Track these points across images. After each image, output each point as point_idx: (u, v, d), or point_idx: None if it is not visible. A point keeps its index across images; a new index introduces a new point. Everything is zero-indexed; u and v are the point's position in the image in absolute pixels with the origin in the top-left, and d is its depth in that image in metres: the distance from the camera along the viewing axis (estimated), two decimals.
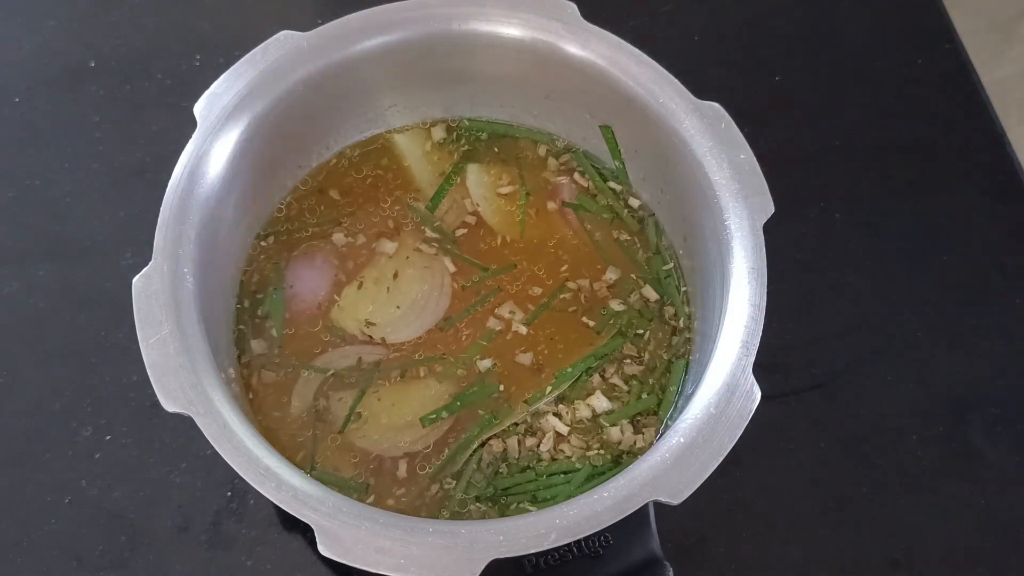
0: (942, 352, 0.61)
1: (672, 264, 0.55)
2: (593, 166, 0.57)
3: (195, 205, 0.47)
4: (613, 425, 0.50)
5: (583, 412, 0.50)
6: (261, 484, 0.41)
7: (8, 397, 0.55)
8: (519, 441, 0.50)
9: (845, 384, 0.59)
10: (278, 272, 0.54)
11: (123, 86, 0.66)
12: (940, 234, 0.65)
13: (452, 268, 0.54)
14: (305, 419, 0.50)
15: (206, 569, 0.51)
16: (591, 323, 0.53)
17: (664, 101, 0.51)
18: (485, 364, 0.51)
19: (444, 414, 0.50)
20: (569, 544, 0.40)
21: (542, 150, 0.58)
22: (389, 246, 0.55)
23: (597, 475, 0.48)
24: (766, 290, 0.46)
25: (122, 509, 0.53)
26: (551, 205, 0.57)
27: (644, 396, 0.51)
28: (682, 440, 0.42)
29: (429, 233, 0.55)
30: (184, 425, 0.42)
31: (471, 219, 0.56)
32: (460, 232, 0.55)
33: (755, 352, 0.44)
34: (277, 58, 0.51)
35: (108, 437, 0.54)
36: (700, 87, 0.51)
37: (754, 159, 0.49)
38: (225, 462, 0.41)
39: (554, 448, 0.50)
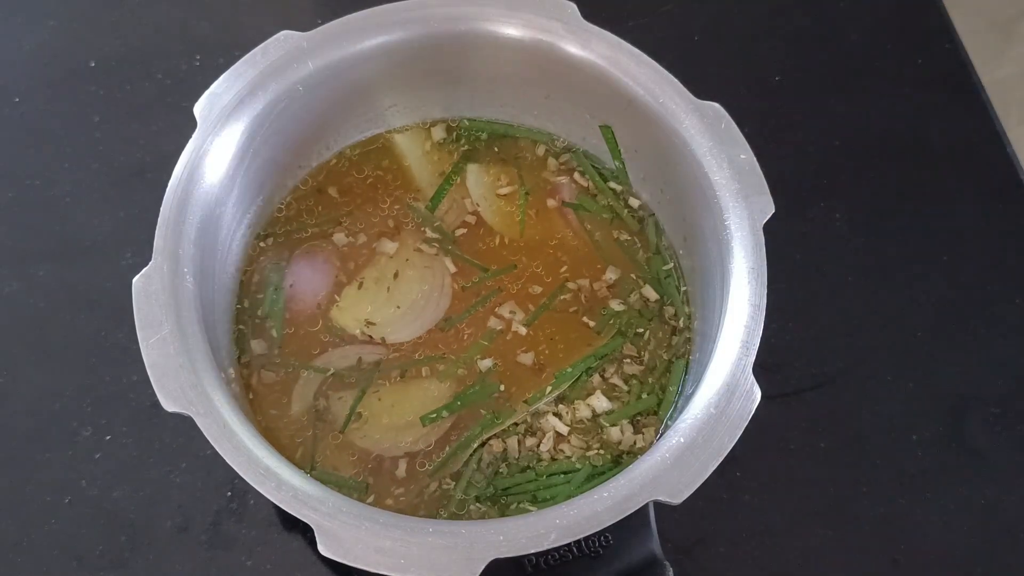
0: (942, 352, 0.61)
1: (672, 264, 0.55)
2: (593, 166, 0.57)
3: (195, 205, 0.47)
4: (613, 425, 0.50)
5: (583, 412, 0.50)
6: (261, 484, 0.41)
7: (8, 397, 0.55)
8: (519, 441, 0.50)
9: (845, 384, 0.59)
10: (278, 272, 0.54)
11: (123, 86, 0.66)
12: (940, 234, 0.65)
13: (452, 268, 0.54)
14: (305, 419, 0.50)
15: (206, 569, 0.51)
16: (591, 323, 0.53)
17: (664, 101, 0.51)
18: (486, 364, 0.51)
19: (445, 413, 0.50)
20: (569, 544, 0.40)
21: (542, 150, 0.58)
22: (389, 246, 0.55)
23: (597, 475, 0.48)
24: (766, 290, 0.46)
25: (122, 509, 0.53)
26: (551, 204, 0.57)
27: (644, 396, 0.51)
28: (682, 440, 0.42)
29: (429, 233, 0.55)
30: (184, 425, 0.42)
31: (471, 219, 0.56)
32: (460, 232, 0.55)
33: (755, 352, 0.44)
34: (277, 58, 0.51)
35: (108, 437, 0.54)
36: (700, 87, 0.51)
37: (754, 159, 0.49)
38: (225, 462, 0.41)
39: (554, 448, 0.50)
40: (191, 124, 0.49)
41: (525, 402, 0.50)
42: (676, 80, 0.51)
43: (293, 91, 0.52)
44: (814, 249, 0.63)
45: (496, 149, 0.58)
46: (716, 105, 0.50)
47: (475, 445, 0.49)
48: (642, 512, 0.41)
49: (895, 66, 0.72)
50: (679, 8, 0.72)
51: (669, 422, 0.49)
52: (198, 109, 0.49)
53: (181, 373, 0.43)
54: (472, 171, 0.57)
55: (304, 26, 0.52)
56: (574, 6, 0.53)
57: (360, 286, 0.54)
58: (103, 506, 0.53)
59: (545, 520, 0.41)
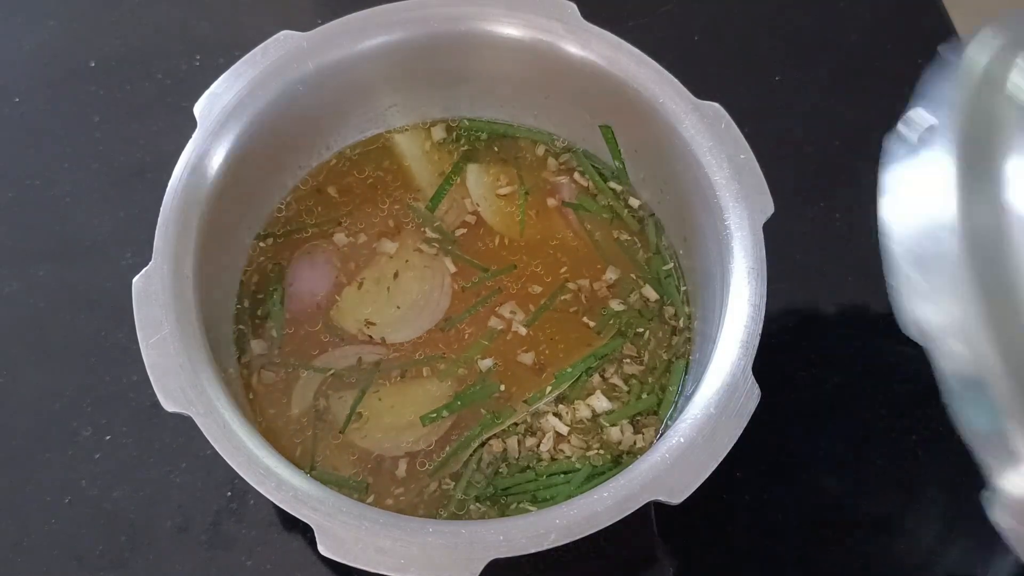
0: None
1: (672, 264, 0.55)
2: (593, 166, 0.57)
3: (195, 205, 0.47)
4: (613, 425, 0.50)
5: (583, 412, 0.50)
6: (261, 484, 0.41)
7: (8, 397, 0.55)
8: (519, 441, 0.50)
9: (845, 384, 0.59)
10: (278, 272, 0.54)
11: (123, 86, 0.66)
12: None
13: (452, 268, 0.54)
14: (305, 419, 0.50)
15: (206, 569, 0.51)
16: (591, 323, 0.53)
17: (664, 101, 0.51)
18: (486, 364, 0.51)
19: (445, 413, 0.50)
20: (569, 544, 0.40)
21: (541, 150, 0.58)
22: (389, 246, 0.55)
23: (597, 475, 0.48)
24: (766, 290, 0.46)
25: (122, 509, 0.53)
26: (551, 204, 0.57)
27: (644, 396, 0.51)
28: (682, 440, 0.42)
29: (429, 233, 0.55)
30: (184, 425, 0.42)
31: (471, 219, 0.56)
32: (460, 232, 0.55)
33: (755, 352, 0.44)
34: (277, 58, 0.51)
35: (108, 437, 0.54)
36: (700, 87, 0.51)
37: (754, 159, 0.49)
38: (225, 462, 0.41)
39: (554, 448, 0.50)
40: (191, 124, 0.49)
41: (525, 402, 0.51)
42: (676, 80, 0.51)
43: (293, 91, 0.52)
44: (814, 249, 0.63)
45: (496, 149, 0.58)
46: (716, 105, 0.50)
47: (475, 445, 0.49)
48: (642, 512, 0.41)
49: (895, 66, 0.71)
50: (679, 8, 0.72)
51: (669, 422, 0.49)
52: (198, 109, 0.49)
53: (181, 373, 0.43)
54: (472, 171, 0.57)
55: (304, 26, 0.52)
56: (574, 6, 0.53)
57: (360, 286, 0.54)
58: (103, 506, 0.53)
59: (545, 520, 0.41)
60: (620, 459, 0.49)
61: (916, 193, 0.39)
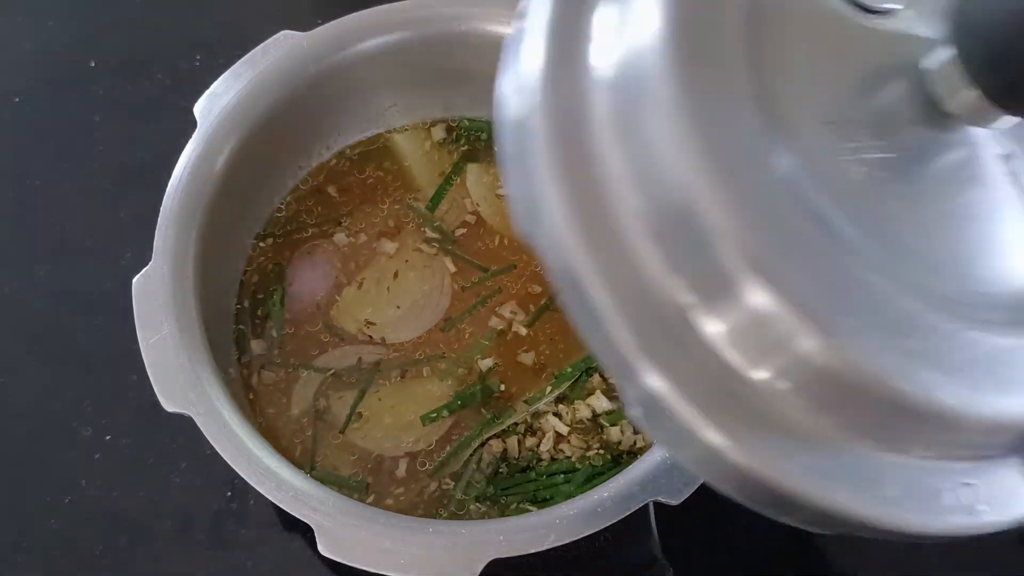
0: None
1: None
2: None
3: (195, 205, 0.47)
4: (613, 425, 0.50)
5: (583, 412, 0.50)
6: (261, 484, 0.41)
7: (8, 397, 0.55)
8: (519, 441, 0.50)
9: None
10: (278, 272, 0.54)
11: (123, 86, 0.66)
12: None
13: (452, 268, 0.54)
14: (305, 419, 0.50)
15: (206, 569, 0.51)
16: None
17: None
18: (486, 363, 0.51)
19: (445, 413, 0.50)
20: (569, 544, 0.40)
21: None
22: (389, 246, 0.55)
23: (597, 475, 0.48)
24: None
25: (122, 509, 0.53)
26: None
27: None
28: None
29: (429, 233, 0.55)
30: (184, 425, 0.42)
31: (471, 219, 0.56)
32: (460, 232, 0.55)
33: None
34: (277, 58, 0.51)
35: (108, 437, 0.54)
36: None
37: None
38: (225, 462, 0.41)
39: (554, 448, 0.50)
40: (191, 124, 0.49)
41: (525, 402, 0.50)
42: None
43: (293, 91, 0.52)
44: None
45: (496, 149, 0.58)
46: None
47: (475, 445, 0.49)
48: (642, 512, 0.41)
49: None
50: None
51: None
52: (198, 109, 0.49)
53: (181, 373, 0.43)
54: (472, 171, 0.57)
55: (304, 26, 0.52)
56: None
57: (360, 286, 0.54)
58: (103, 506, 0.53)
59: (545, 520, 0.41)
60: (620, 459, 0.49)
61: (518, 69, 0.38)
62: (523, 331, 0.52)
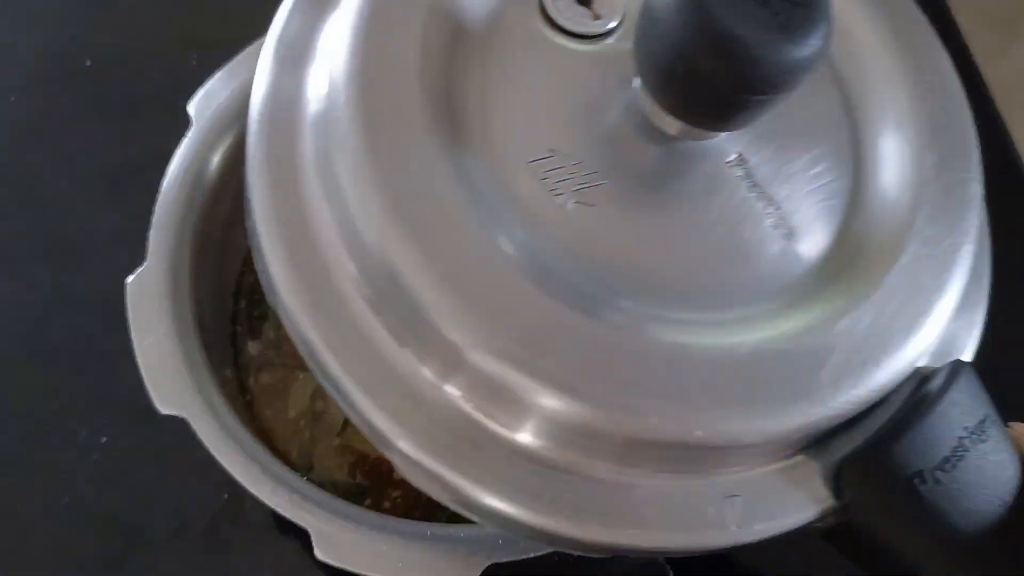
0: None
1: None
2: None
3: (190, 204, 0.47)
4: None
5: None
6: (257, 487, 0.41)
7: (2, 399, 0.55)
8: None
9: None
10: None
11: (119, 85, 0.66)
12: None
13: None
14: (302, 421, 0.50)
15: (202, 572, 0.51)
16: None
17: None
18: None
19: None
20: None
21: None
22: None
23: None
24: None
25: (118, 512, 0.52)
26: None
27: None
28: None
29: None
30: (180, 427, 0.41)
31: None
32: None
33: None
34: None
35: (104, 439, 0.54)
36: None
37: None
38: (221, 465, 0.41)
39: None
40: (186, 123, 0.49)
41: None
42: None
43: None
44: None
45: None
46: None
47: None
48: None
49: None
50: None
51: None
52: (193, 108, 0.49)
53: (176, 375, 0.43)
54: None
55: None
56: None
57: None
58: (99, 509, 0.52)
59: None
60: None
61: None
62: None
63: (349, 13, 0.35)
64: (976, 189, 0.39)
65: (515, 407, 0.31)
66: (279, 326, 0.52)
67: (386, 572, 0.39)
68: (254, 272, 0.54)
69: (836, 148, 0.39)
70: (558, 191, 0.34)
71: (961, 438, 0.33)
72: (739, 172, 0.37)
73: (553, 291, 0.32)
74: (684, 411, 0.31)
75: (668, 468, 0.33)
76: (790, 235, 0.36)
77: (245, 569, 0.51)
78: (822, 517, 0.34)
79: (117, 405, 0.54)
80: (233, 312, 0.52)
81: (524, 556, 0.39)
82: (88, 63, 0.67)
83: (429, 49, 0.35)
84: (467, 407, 0.32)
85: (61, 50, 0.67)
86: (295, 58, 0.38)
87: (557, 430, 0.32)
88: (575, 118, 0.36)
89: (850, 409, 0.33)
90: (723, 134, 0.36)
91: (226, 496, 0.52)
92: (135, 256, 0.46)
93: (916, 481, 0.32)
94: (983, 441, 0.34)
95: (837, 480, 0.34)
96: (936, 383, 0.34)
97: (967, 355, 0.40)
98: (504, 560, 0.39)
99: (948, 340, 0.38)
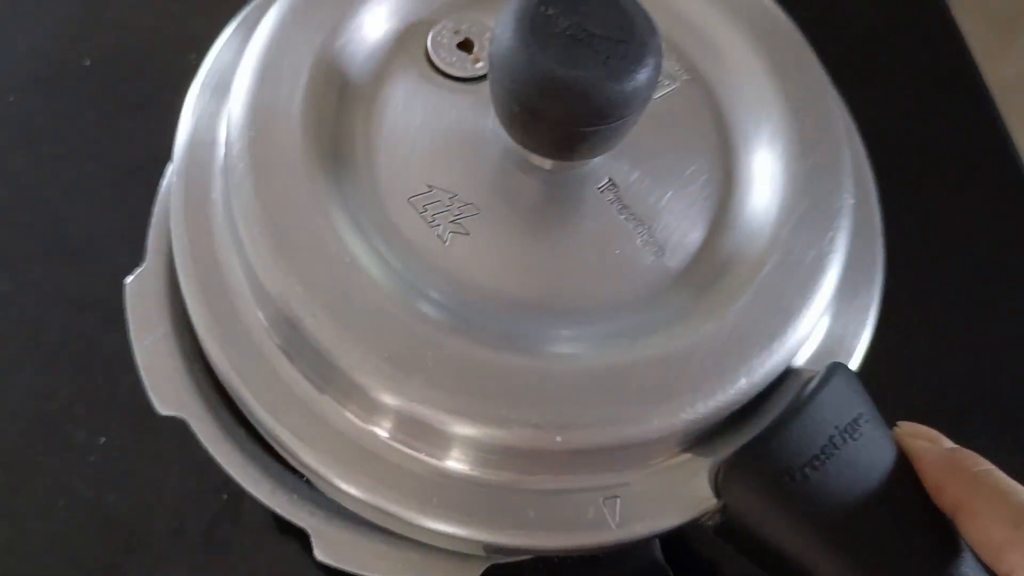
0: (944, 352, 0.60)
1: None
2: None
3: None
4: None
5: None
6: (256, 488, 0.41)
7: (1, 399, 0.55)
8: None
9: None
10: None
11: (118, 85, 0.66)
12: (942, 234, 0.64)
13: None
14: None
15: (201, 573, 0.51)
16: None
17: None
18: None
19: None
20: None
21: None
22: None
23: None
24: None
25: (116, 513, 0.52)
26: None
27: None
28: None
29: None
30: (178, 428, 0.41)
31: None
32: None
33: None
34: None
35: (102, 440, 0.54)
36: None
37: None
38: (220, 466, 0.41)
39: None
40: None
41: None
42: None
43: None
44: None
45: None
46: None
47: None
48: None
49: (898, 65, 0.71)
50: None
51: None
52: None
53: (175, 375, 0.42)
54: None
55: None
56: None
57: None
58: (97, 510, 0.52)
59: None
60: None
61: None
62: None
63: (246, 66, 0.39)
64: (845, 201, 0.41)
65: (436, 439, 0.35)
66: None
67: (386, 573, 0.39)
68: None
69: (708, 167, 0.41)
70: (435, 223, 0.38)
71: (832, 436, 0.35)
72: (610, 196, 0.40)
73: (431, 320, 0.35)
74: (548, 419, 0.33)
75: (548, 471, 0.35)
76: (660, 252, 0.39)
77: (245, 569, 0.51)
78: (706, 516, 0.36)
79: (116, 405, 0.54)
80: None
81: (524, 557, 0.39)
82: (88, 63, 0.67)
83: (315, 99, 0.38)
84: (397, 444, 0.36)
85: (60, 51, 0.67)
86: (222, 91, 0.41)
87: (473, 451, 0.35)
88: (454, 155, 0.39)
89: (714, 412, 0.35)
90: (595, 161, 0.39)
91: (225, 497, 0.52)
92: (135, 256, 0.46)
93: (786, 479, 0.34)
94: (855, 439, 0.35)
95: (717, 480, 0.35)
96: (811, 385, 0.36)
97: (855, 358, 0.42)
98: (504, 561, 0.39)
99: (834, 344, 0.41)
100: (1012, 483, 0.34)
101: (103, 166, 0.62)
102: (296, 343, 0.36)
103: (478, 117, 0.40)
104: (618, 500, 0.35)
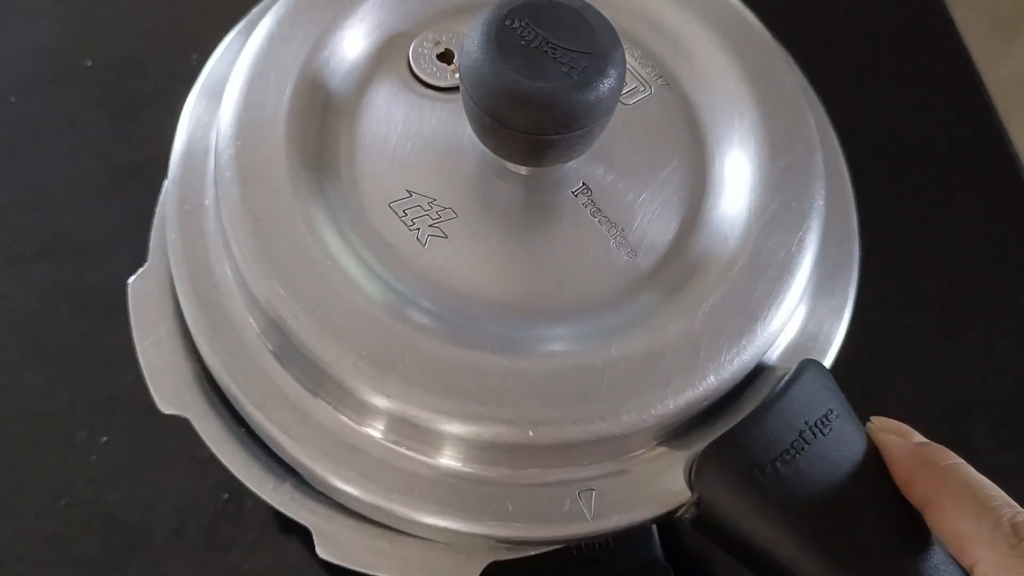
0: (944, 353, 0.60)
1: None
2: None
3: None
4: None
5: None
6: (258, 486, 0.41)
7: (2, 399, 0.55)
8: None
9: (846, 385, 0.59)
10: None
11: (119, 85, 0.66)
12: (942, 234, 0.65)
13: None
14: None
15: (202, 572, 0.51)
16: None
17: None
18: None
19: None
20: (568, 547, 0.40)
21: None
22: None
23: None
24: None
25: (118, 512, 0.52)
26: None
27: None
28: None
29: None
30: (180, 427, 0.41)
31: None
32: None
33: None
34: None
35: (104, 439, 0.54)
36: None
37: None
38: (222, 464, 0.41)
39: None
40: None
41: None
42: None
43: None
44: None
45: None
46: None
47: None
48: None
49: (896, 65, 0.71)
50: None
51: None
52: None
53: (177, 375, 0.42)
54: None
55: None
56: None
57: None
58: (99, 509, 0.52)
59: None
60: None
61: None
62: None
63: (235, 78, 0.40)
64: (816, 202, 0.41)
65: (428, 439, 0.36)
66: None
67: (387, 570, 0.39)
68: None
69: (682, 170, 0.42)
70: (415, 227, 0.39)
71: (802, 432, 0.36)
72: (584, 200, 0.41)
73: (410, 320, 0.36)
74: (521, 415, 0.34)
75: (523, 465, 0.36)
76: (633, 253, 0.40)
77: (245, 568, 0.51)
78: (682, 509, 0.37)
79: (117, 405, 0.54)
80: None
81: (524, 554, 0.39)
82: (88, 63, 0.67)
83: (300, 110, 0.39)
84: (390, 444, 0.37)
85: (61, 50, 0.67)
86: (219, 97, 0.42)
87: (463, 450, 0.36)
88: (433, 161, 0.41)
89: (684, 408, 0.36)
90: (570, 165, 0.40)
91: (227, 496, 0.52)
92: (136, 256, 0.46)
93: (757, 472, 0.35)
94: (825, 434, 0.36)
95: (690, 473, 0.36)
96: (783, 382, 0.37)
97: (829, 355, 0.43)
98: (504, 559, 0.39)
99: (809, 341, 0.42)
100: (979, 477, 0.34)
101: (104, 166, 0.63)
102: (286, 348, 0.37)
103: (456, 125, 0.41)
104: (594, 493, 0.36)
